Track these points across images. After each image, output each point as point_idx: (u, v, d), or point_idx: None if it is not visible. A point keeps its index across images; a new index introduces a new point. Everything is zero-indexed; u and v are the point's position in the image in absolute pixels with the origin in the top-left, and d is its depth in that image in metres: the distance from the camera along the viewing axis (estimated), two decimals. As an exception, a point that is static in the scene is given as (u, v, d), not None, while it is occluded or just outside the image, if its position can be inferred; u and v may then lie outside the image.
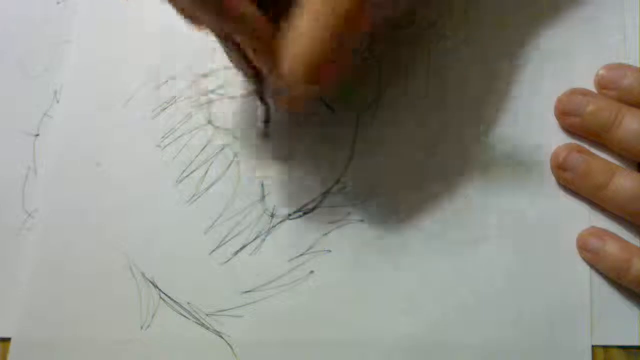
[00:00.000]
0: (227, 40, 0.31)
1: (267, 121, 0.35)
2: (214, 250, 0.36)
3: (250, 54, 0.30)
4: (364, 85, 0.37)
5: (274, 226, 0.36)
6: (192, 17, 0.30)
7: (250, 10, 0.28)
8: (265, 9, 0.29)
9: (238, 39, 0.30)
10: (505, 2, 0.37)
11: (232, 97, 0.38)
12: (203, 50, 0.39)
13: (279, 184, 0.36)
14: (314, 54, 0.28)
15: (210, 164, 0.37)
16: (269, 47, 0.29)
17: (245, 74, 0.33)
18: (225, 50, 0.32)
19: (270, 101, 0.34)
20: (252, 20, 0.28)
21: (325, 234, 0.35)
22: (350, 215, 0.35)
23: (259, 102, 0.35)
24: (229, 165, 0.37)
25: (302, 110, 0.35)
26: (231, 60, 0.33)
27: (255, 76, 0.32)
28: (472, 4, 0.37)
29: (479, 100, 0.36)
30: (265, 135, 0.36)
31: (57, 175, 0.38)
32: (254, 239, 0.36)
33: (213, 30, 0.30)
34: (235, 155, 0.37)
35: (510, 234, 0.34)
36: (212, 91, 0.38)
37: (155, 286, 0.35)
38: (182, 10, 0.30)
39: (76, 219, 0.37)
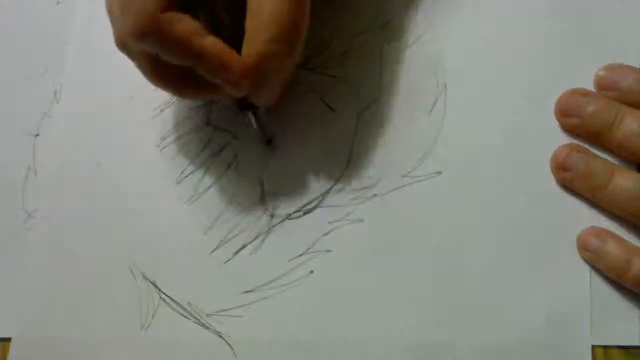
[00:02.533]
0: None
1: (261, 127, 0.35)
2: (214, 250, 0.36)
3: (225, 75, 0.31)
4: (363, 86, 0.37)
5: (274, 226, 0.36)
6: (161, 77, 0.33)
7: (210, 40, 0.30)
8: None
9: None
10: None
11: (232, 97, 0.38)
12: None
13: (279, 184, 0.36)
14: (284, 13, 0.30)
15: (210, 164, 0.37)
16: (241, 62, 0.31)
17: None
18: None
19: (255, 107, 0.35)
20: (215, 49, 0.30)
21: (325, 234, 0.35)
22: (350, 215, 0.35)
23: (249, 114, 0.35)
24: (229, 165, 0.37)
25: (281, 93, 0.35)
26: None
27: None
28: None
29: (477, 99, 0.36)
30: (270, 142, 0.36)
31: (57, 175, 0.38)
32: (254, 239, 0.36)
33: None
34: (235, 155, 0.37)
35: (510, 234, 0.34)
36: (212, 91, 0.38)
37: (155, 286, 0.36)
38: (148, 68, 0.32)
39: (76, 219, 0.37)
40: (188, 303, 0.35)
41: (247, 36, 0.31)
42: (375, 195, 0.35)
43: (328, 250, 0.35)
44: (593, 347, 0.32)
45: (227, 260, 0.35)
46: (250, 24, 0.31)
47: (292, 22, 0.30)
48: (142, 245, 0.36)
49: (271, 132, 0.36)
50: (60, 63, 0.40)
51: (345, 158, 0.36)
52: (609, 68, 0.34)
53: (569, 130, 0.35)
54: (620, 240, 0.32)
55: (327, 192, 0.36)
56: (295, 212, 0.36)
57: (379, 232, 0.35)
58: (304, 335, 0.34)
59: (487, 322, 0.33)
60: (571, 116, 0.34)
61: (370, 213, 0.35)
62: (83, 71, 0.40)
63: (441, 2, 0.38)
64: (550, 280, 0.33)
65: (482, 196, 0.35)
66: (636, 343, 0.32)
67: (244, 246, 0.36)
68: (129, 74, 0.39)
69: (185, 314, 0.35)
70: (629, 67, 0.34)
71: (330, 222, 0.35)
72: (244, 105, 0.34)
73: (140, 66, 0.33)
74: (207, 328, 0.35)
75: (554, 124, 0.35)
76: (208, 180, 0.37)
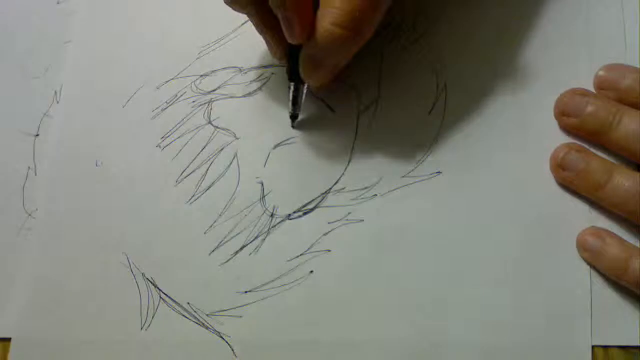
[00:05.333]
0: (262, 16, 0.33)
1: (295, 103, 0.36)
2: (214, 250, 0.36)
3: (283, 22, 0.31)
4: (363, 86, 0.37)
5: (274, 226, 0.36)
6: None
7: None
8: None
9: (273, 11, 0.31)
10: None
11: (232, 97, 0.38)
12: (203, 50, 0.39)
13: (279, 184, 0.36)
14: (352, 6, 0.30)
15: (210, 164, 0.37)
16: (302, 9, 0.31)
17: (275, 48, 0.35)
18: (257, 28, 0.34)
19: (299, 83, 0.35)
20: None
21: (325, 234, 0.35)
22: (350, 215, 0.35)
23: (289, 84, 0.35)
24: (229, 165, 0.37)
25: (329, 83, 0.36)
26: (263, 35, 0.35)
27: (284, 50, 0.34)
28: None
29: (477, 99, 0.36)
30: (294, 120, 0.37)
31: (57, 175, 0.38)
32: (254, 239, 0.36)
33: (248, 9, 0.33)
34: (235, 155, 0.37)
35: (510, 234, 0.34)
36: (212, 91, 0.38)
37: (155, 286, 0.35)
38: None
39: (76, 219, 0.37)
40: (188, 303, 0.35)
41: (319, 9, 0.31)
42: (375, 195, 0.35)
43: (328, 250, 0.35)
44: (593, 347, 0.32)
45: (227, 260, 0.35)
46: None
47: (361, 12, 0.30)
48: (142, 245, 0.36)
49: (299, 111, 0.36)
50: (60, 63, 0.40)
51: (346, 158, 0.36)
52: (609, 68, 0.34)
53: (568, 130, 0.35)
54: (620, 240, 0.32)
55: (327, 192, 0.36)
56: (295, 212, 0.36)
57: (379, 232, 0.35)
58: (304, 335, 0.34)
59: (487, 323, 0.33)
60: (570, 116, 0.34)
61: (370, 213, 0.35)
62: (83, 71, 0.40)
63: (441, 2, 0.38)
64: (550, 280, 0.33)
65: (482, 196, 0.35)
66: (636, 343, 0.32)
67: (244, 246, 0.36)
68: (128, 74, 0.39)
69: (185, 314, 0.35)
70: (628, 67, 0.34)
71: (330, 222, 0.35)
72: (293, 76, 0.34)
73: (250, 16, 0.34)
74: (207, 328, 0.35)
75: (554, 123, 0.35)
76: (208, 180, 0.37)
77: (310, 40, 0.31)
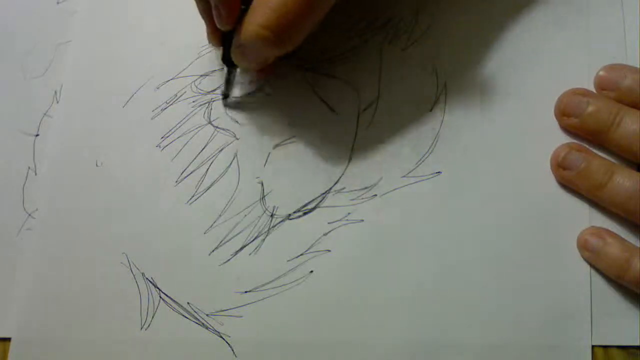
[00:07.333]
0: (205, 3, 0.33)
1: (228, 84, 0.37)
2: (214, 250, 0.36)
3: (214, 8, 0.32)
4: (363, 86, 0.37)
5: (274, 226, 0.36)
6: None
7: None
8: None
9: None
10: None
11: (232, 97, 0.38)
12: (203, 50, 0.39)
13: (279, 184, 0.36)
14: (288, 7, 0.30)
15: (210, 164, 0.37)
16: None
17: (211, 35, 0.36)
18: (200, 13, 0.35)
19: (234, 71, 0.37)
20: None
21: (325, 234, 0.35)
22: (350, 215, 0.35)
23: (224, 66, 0.36)
24: (229, 165, 0.37)
25: (268, 73, 0.37)
26: (204, 21, 0.35)
27: (219, 37, 0.35)
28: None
29: (477, 99, 0.36)
30: (225, 99, 0.38)
31: (57, 175, 0.38)
32: (254, 239, 0.36)
33: None
34: (235, 155, 0.37)
35: (510, 234, 0.34)
36: (212, 91, 0.38)
37: (155, 286, 0.35)
38: None
39: (76, 219, 0.37)
40: (188, 303, 0.35)
41: (252, 5, 0.31)
42: (375, 195, 0.35)
43: (328, 250, 0.35)
44: (593, 347, 0.32)
45: (227, 260, 0.35)
46: None
47: (291, 19, 0.30)
48: (142, 245, 0.36)
49: (230, 92, 0.38)
50: (60, 63, 0.40)
51: (345, 158, 0.36)
52: (609, 68, 0.34)
53: (568, 130, 0.35)
54: (620, 240, 0.32)
55: (327, 192, 0.36)
56: (295, 212, 0.36)
57: (379, 232, 0.35)
58: (303, 335, 0.34)
59: (487, 322, 0.33)
60: (571, 116, 0.34)
61: (370, 213, 0.35)
62: (83, 71, 0.40)
63: (441, 2, 0.38)
64: (550, 280, 0.33)
65: (482, 196, 0.35)
66: (636, 343, 0.32)
67: (243, 246, 0.36)
68: (129, 74, 0.39)
69: (185, 313, 0.35)
70: (629, 67, 0.34)
71: (330, 222, 0.35)
72: (225, 60, 0.36)
73: (195, 2, 0.34)
74: (207, 328, 0.35)
75: (554, 123, 0.35)
76: (208, 180, 0.37)
77: (239, 32, 0.32)
